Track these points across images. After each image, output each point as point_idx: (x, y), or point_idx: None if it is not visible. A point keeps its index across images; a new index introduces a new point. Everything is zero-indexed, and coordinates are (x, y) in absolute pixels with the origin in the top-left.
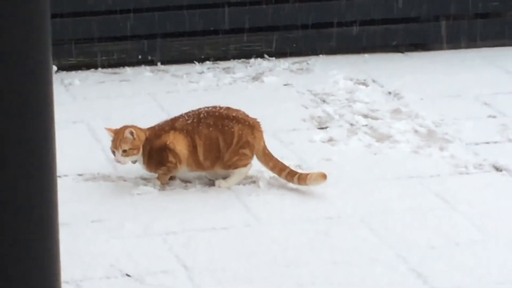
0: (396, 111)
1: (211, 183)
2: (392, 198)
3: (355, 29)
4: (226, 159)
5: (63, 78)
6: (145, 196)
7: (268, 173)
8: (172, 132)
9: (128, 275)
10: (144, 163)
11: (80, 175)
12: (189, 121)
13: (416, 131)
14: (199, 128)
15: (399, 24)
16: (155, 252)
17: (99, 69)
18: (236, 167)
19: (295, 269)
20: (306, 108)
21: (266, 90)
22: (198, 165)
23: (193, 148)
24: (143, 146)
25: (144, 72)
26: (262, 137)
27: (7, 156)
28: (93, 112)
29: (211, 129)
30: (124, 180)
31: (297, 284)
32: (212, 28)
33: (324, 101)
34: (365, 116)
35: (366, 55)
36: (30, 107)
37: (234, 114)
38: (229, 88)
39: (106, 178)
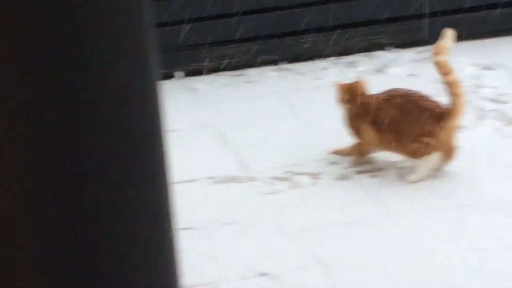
0: None
1: (340, 177)
2: None
3: (479, 14)
4: (406, 145)
5: (189, 83)
6: (276, 195)
7: (398, 164)
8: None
9: (264, 275)
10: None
11: (210, 178)
12: (382, 97)
13: None
14: (387, 107)
15: None
16: (290, 250)
17: (224, 72)
18: (417, 156)
19: (432, 259)
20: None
21: (391, 82)
22: (382, 143)
23: (376, 125)
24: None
25: (268, 72)
26: (451, 128)
27: (116, 159)
28: (220, 115)
29: (397, 111)
30: (254, 181)
31: (435, 274)
32: (331, 24)
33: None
34: (493, 101)
35: (491, 40)
36: (134, 111)
37: (422, 101)
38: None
39: (236, 179)
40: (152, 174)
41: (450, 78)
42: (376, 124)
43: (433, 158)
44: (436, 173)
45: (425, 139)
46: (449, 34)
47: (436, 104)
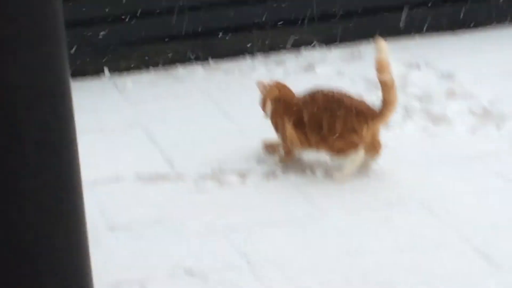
0: (450, 93)
1: (268, 175)
2: (452, 180)
3: (404, 12)
4: (330, 143)
5: (116, 81)
6: (205, 194)
7: (325, 162)
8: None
9: (191, 274)
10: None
11: (138, 177)
12: (305, 97)
13: (471, 111)
14: (309, 106)
15: (447, 3)
16: (218, 249)
17: (151, 70)
18: (342, 154)
19: (360, 258)
20: (360, 95)
21: (320, 80)
22: (306, 142)
23: (300, 124)
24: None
25: (197, 71)
26: (370, 125)
27: (27, 161)
28: (147, 114)
29: (318, 109)
30: (182, 180)
31: (363, 273)
32: (259, 21)
33: (377, 87)
34: (419, 99)
35: (418, 39)
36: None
37: (345, 100)
38: (282, 80)
39: (164, 178)
40: (61, 177)
41: (391, 97)
42: (299, 123)
43: (359, 156)
44: (363, 171)
45: (349, 136)
46: (383, 46)
47: (360, 102)
